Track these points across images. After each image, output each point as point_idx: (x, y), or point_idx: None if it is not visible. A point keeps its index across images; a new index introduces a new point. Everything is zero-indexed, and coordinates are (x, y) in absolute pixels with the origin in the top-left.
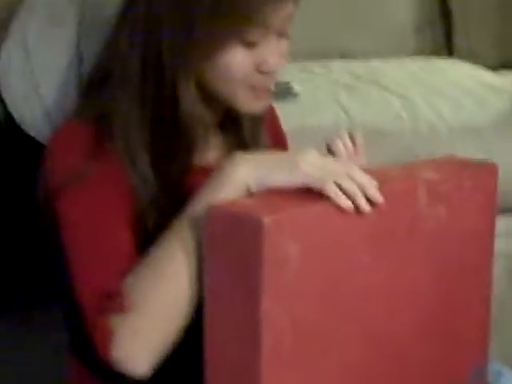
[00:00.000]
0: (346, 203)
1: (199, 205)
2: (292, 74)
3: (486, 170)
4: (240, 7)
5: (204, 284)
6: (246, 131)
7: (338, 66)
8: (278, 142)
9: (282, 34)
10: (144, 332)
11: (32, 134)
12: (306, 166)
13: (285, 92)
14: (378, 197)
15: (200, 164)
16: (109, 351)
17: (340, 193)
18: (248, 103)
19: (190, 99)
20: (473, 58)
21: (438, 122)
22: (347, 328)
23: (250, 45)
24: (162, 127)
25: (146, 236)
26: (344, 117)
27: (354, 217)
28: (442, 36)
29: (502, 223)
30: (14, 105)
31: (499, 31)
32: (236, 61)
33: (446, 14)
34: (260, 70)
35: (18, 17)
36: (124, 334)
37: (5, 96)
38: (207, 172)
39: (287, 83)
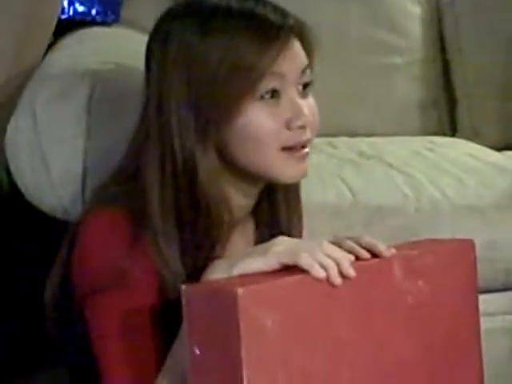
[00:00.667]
0: (319, 272)
1: None
2: None
3: (463, 246)
4: (246, 59)
5: (186, 359)
6: (282, 216)
7: (342, 143)
8: None
9: (303, 95)
10: None
11: (37, 204)
12: (277, 247)
13: None
14: (350, 272)
15: (227, 253)
16: None
17: (314, 263)
18: (285, 167)
19: (213, 181)
20: (477, 137)
21: (441, 200)
22: None
23: (268, 98)
24: (188, 217)
25: (173, 324)
26: (348, 193)
27: (331, 290)
28: (446, 115)
29: (508, 300)
30: (20, 175)
31: (503, 111)
32: (260, 119)
33: (450, 94)
34: (290, 125)
35: (28, 88)
36: None
37: (11, 166)
38: None
39: None
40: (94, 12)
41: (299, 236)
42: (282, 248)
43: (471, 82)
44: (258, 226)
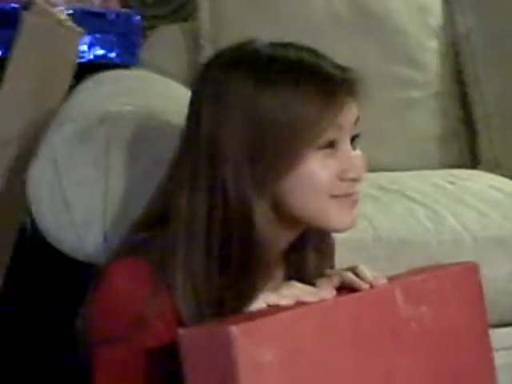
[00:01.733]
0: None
1: None
2: None
3: (466, 269)
4: (311, 113)
5: None
6: (311, 263)
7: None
8: None
9: (352, 146)
10: None
11: (58, 246)
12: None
13: None
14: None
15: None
16: None
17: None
18: (339, 214)
19: (269, 229)
20: (498, 168)
21: (463, 232)
22: None
23: (328, 147)
24: (230, 267)
25: None
26: (369, 227)
27: (331, 321)
28: (467, 147)
29: None
30: (42, 217)
31: None
32: (317, 169)
33: (469, 125)
34: (344, 177)
35: (48, 132)
36: None
37: (33, 208)
38: None
39: None
40: (113, 55)
41: None
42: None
43: (491, 113)
44: (287, 271)
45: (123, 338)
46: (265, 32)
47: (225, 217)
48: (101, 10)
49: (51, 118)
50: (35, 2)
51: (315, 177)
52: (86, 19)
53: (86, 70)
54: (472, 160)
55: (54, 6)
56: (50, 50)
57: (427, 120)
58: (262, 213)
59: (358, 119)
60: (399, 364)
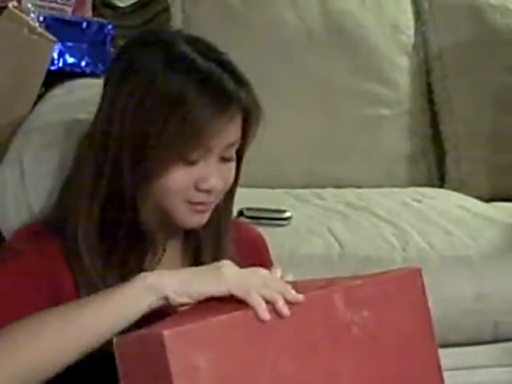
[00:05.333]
0: (264, 315)
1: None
2: (285, 202)
3: (409, 274)
4: (186, 132)
5: None
6: (206, 240)
7: (329, 194)
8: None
9: (224, 159)
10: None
11: None
12: (230, 275)
13: (277, 218)
14: (298, 297)
15: (153, 267)
16: None
17: (263, 303)
18: (184, 217)
19: (147, 210)
20: (464, 188)
21: (428, 250)
22: None
23: (190, 163)
24: (117, 233)
25: None
26: (335, 244)
27: (271, 326)
28: (435, 166)
29: (497, 352)
30: (6, 221)
31: (491, 163)
32: (175, 178)
33: (438, 145)
34: (198, 187)
35: (15, 140)
36: None
37: None
38: None
39: (280, 210)
40: (83, 63)
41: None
42: (232, 278)
43: (460, 134)
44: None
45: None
46: (237, 43)
47: (108, 194)
48: (73, 19)
49: (20, 126)
50: (9, 8)
51: (172, 183)
52: (58, 27)
53: (55, 78)
54: (439, 179)
55: (27, 13)
56: (22, 57)
57: (396, 138)
58: (144, 202)
59: (236, 142)
60: (341, 370)
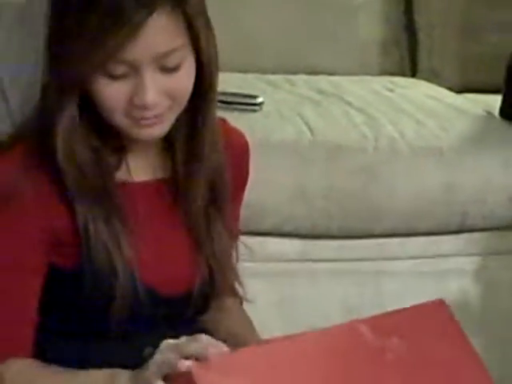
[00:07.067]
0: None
1: None
2: (257, 88)
3: (433, 304)
4: (96, 41)
5: None
6: (181, 148)
7: (301, 80)
8: (238, 177)
9: (168, 69)
10: None
11: None
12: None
13: (249, 103)
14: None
15: (139, 179)
16: None
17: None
18: (133, 131)
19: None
20: (436, 79)
21: (399, 140)
22: None
23: (116, 78)
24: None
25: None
26: (307, 131)
27: (300, 357)
28: (407, 56)
29: (462, 241)
30: None
31: (462, 53)
32: (106, 93)
33: (411, 35)
34: (133, 103)
35: None
36: None
37: None
38: (145, 186)
39: (251, 95)
40: None
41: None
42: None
43: (433, 23)
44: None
45: None
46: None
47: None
48: None
49: None
50: None
51: (103, 99)
52: None
53: None
54: (411, 69)
55: None
56: None
57: (370, 25)
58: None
59: (170, 52)
60: None
